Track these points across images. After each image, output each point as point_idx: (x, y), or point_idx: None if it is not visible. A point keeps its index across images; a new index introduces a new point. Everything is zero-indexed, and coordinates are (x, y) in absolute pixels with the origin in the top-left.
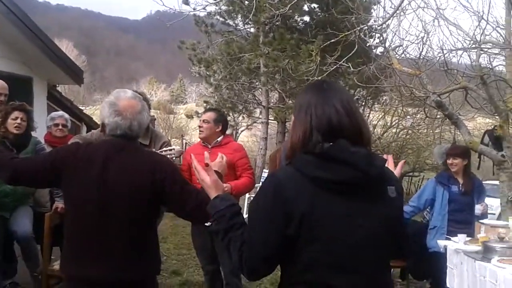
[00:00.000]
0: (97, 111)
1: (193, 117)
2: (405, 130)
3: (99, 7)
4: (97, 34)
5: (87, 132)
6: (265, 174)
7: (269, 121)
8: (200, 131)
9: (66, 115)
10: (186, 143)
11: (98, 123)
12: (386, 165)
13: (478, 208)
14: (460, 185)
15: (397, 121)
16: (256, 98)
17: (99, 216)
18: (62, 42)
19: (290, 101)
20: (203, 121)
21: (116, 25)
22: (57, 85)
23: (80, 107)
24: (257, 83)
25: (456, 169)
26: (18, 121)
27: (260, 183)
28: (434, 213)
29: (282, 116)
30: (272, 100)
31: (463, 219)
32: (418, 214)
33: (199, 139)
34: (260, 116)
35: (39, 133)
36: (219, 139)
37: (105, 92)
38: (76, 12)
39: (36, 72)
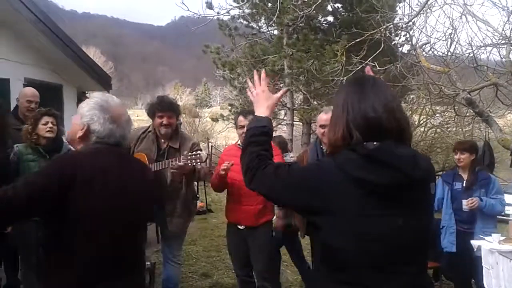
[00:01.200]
0: None
1: (218, 120)
2: (434, 129)
3: (125, 14)
4: (123, 41)
5: None
6: None
7: (294, 122)
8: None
9: None
10: (212, 146)
11: None
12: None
13: (464, 203)
14: (464, 182)
15: (425, 119)
16: (281, 100)
17: (123, 227)
18: (89, 49)
19: (315, 102)
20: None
21: (142, 31)
22: (86, 92)
23: None
24: (281, 85)
25: (463, 164)
26: (49, 125)
27: None
28: (442, 213)
29: (308, 118)
30: (297, 102)
31: (467, 218)
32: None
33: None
34: (285, 118)
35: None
36: None
37: (132, 97)
38: (102, 20)
39: (66, 79)
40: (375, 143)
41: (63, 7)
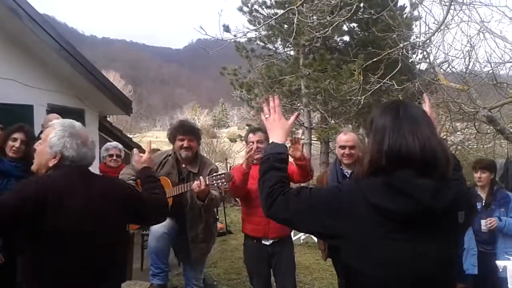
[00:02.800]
0: (144, 139)
1: (236, 141)
2: (454, 146)
3: (143, 38)
4: (142, 65)
5: None
6: None
7: (312, 141)
8: (258, 151)
9: (120, 146)
10: (230, 166)
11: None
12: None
13: (483, 224)
14: (483, 202)
15: (445, 137)
16: (298, 119)
17: (90, 246)
18: (109, 73)
19: (333, 121)
20: (258, 141)
21: (160, 55)
22: (107, 116)
23: (129, 135)
24: (298, 105)
25: (483, 183)
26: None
27: None
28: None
29: (325, 137)
30: (314, 121)
31: (488, 238)
32: None
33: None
34: (303, 137)
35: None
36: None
37: (151, 119)
38: (122, 44)
39: (88, 104)
40: (398, 172)
41: (83, 32)
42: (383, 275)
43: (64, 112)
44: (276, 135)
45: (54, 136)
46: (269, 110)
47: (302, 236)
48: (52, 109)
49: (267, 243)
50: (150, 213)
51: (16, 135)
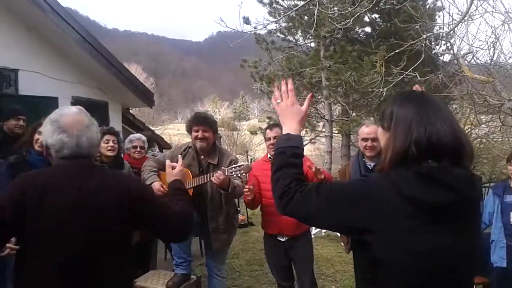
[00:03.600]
0: (165, 131)
1: (256, 133)
2: (479, 139)
3: (164, 31)
4: (163, 57)
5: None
6: None
7: (333, 134)
8: (273, 148)
9: (144, 137)
10: (251, 158)
11: (168, 142)
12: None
13: None
14: None
15: (469, 130)
16: (319, 112)
17: (80, 246)
18: (131, 66)
19: (354, 114)
20: (274, 137)
21: (180, 47)
22: (130, 108)
23: (151, 128)
24: (319, 97)
25: None
26: (111, 144)
27: None
28: (492, 226)
29: (347, 129)
30: (335, 113)
31: None
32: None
33: (263, 155)
34: (324, 130)
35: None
36: None
37: (172, 112)
38: (143, 37)
39: (111, 96)
40: (430, 161)
41: (105, 25)
42: (415, 268)
43: (88, 104)
44: (290, 124)
45: (45, 122)
46: (281, 95)
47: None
48: (76, 101)
49: (282, 239)
50: (161, 222)
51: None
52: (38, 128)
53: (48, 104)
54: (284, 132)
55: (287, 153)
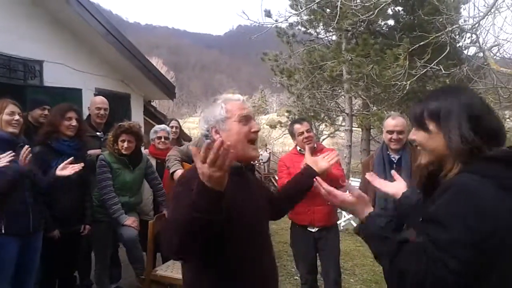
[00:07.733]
0: (185, 124)
1: (275, 127)
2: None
3: (185, 25)
4: (183, 51)
5: None
6: (352, 182)
7: (353, 128)
8: (309, 141)
9: (168, 128)
10: (270, 152)
11: (189, 135)
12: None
13: None
14: None
15: None
16: (339, 106)
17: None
18: (152, 59)
19: (375, 108)
20: (307, 131)
21: (201, 41)
22: (152, 101)
23: None
24: (339, 91)
25: None
26: (126, 144)
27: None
28: None
29: (367, 123)
30: (356, 107)
31: None
32: None
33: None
34: (343, 124)
35: None
36: (315, 145)
37: (191, 105)
38: (164, 31)
39: (133, 89)
40: (499, 148)
41: (127, 19)
42: None
43: (111, 96)
44: (361, 210)
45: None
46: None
47: (342, 223)
48: (99, 93)
49: (313, 230)
50: None
51: (70, 114)
52: (66, 114)
53: (72, 95)
54: (365, 217)
55: (390, 237)
